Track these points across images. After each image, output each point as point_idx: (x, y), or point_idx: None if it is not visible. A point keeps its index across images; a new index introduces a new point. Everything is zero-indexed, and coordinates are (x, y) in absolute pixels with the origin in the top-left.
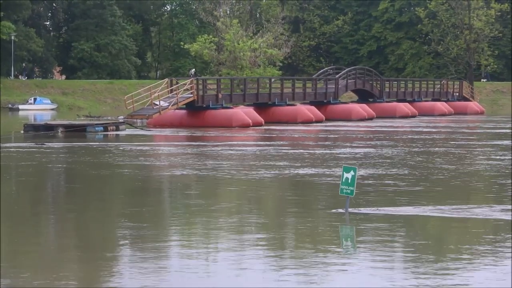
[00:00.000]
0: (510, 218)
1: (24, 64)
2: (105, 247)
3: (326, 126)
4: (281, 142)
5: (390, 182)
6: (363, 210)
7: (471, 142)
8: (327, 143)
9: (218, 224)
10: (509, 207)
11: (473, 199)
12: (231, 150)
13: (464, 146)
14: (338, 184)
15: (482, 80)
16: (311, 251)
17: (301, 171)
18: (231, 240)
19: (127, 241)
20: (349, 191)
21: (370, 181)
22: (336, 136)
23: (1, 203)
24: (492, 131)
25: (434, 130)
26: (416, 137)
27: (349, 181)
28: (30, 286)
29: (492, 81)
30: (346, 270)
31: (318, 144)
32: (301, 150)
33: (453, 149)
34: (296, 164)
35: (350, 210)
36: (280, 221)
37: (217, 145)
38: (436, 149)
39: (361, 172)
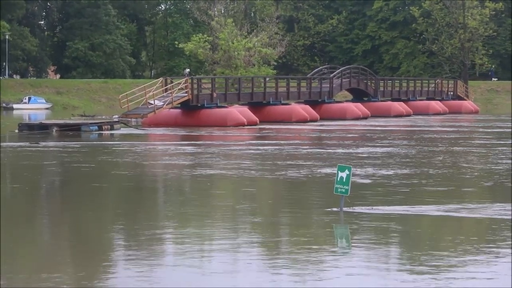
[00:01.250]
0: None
1: (4, 63)
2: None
3: (323, 125)
4: (295, 142)
5: (419, 181)
6: (358, 209)
7: (493, 142)
8: (346, 142)
9: (212, 221)
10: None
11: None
12: (250, 149)
13: (485, 146)
14: (366, 183)
15: (493, 79)
16: (305, 250)
17: (331, 170)
18: (226, 238)
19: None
20: (343, 190)
21: (405, 181)
22: (350, 135)
23: (1, 202)
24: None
25: (450, 129)
26: (429, 136)
27: (344, 180)
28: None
29: (491, 79)
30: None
31: (335, 143)
32: (319, 150)
33: (473, 148)
34: (321, 163)
35: (344, 209)
36: (292, 218)
37: (231, 145)
38: (457, 148)
39: (390, 172)
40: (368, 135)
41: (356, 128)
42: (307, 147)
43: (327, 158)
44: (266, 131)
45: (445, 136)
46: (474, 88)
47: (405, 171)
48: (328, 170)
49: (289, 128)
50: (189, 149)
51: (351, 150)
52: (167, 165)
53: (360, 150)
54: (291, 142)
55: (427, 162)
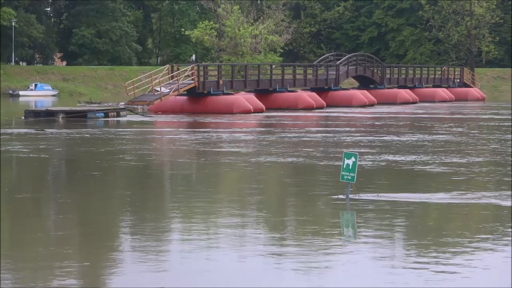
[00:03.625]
0: None
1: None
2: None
3: (334, 112)
4: (330, 129)
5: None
6: (364, 196)
7: None
8: (396, 130)
9: (218, 208)
10: None
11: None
12: (307, 137)
13: None
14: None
15: None
16: (312, 237)
17: (392, 158)
18: (232, 226)
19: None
20: (349, 177)
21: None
22: (399, 122)
23: (6, 190)
24: None
25: (500, 117)
26: (479, 124)
27: (350, 167)
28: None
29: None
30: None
31: (386, 130)
32: (369, 137)
33: None
34: (385, 150)
35: (350, 196)
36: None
37: (272, 132)
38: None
39: (458, 159)
40: (415, 123)
41: (385, 116)
42: (358, 134)
43: (388, 146)
44: (283, 118)
45: (497, 124)
46: (480, 75)
47: (479, 159)
48: (395, 158)
49: (306, 115)
50: (242, 137)
51: (407, 138)
52: (228, 152)
53: (416, 137)
54: (338, 129)
55: (496, 150)
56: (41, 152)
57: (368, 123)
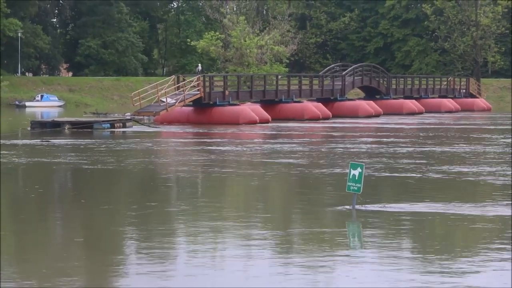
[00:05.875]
0: None
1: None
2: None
3: (342, 123)
4: (346, 139)
5: None
6: (370, 207)
7: None
8: (429, 141)
9: (223, 218)
10: None
11: None
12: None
13: None
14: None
15: None
16: (317, 248)
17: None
18: (237, 236)
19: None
20: (356, 188)
21: None
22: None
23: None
24: None
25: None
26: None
27: (356, 178)
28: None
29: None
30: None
31: (433, 142)
32: (408, 148)
33: None
34: (430, 162)
35: (357, 207)
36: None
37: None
38: None
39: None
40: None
41: (403, 126)
42: (405, 145)
43: (442, 156)
44: (298, 129)
45: None
46: (486, 86)
47: None
48: (464, 169)
49: (315, 126)
50: (288, 147)
51: (461, 149)
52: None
53: (469, 148)
54: (385, 140)
55: None
56: (104, 164)
57: (416, 133)
